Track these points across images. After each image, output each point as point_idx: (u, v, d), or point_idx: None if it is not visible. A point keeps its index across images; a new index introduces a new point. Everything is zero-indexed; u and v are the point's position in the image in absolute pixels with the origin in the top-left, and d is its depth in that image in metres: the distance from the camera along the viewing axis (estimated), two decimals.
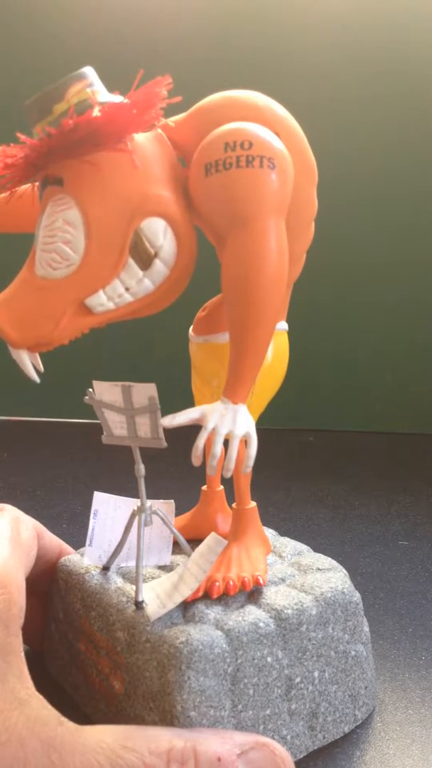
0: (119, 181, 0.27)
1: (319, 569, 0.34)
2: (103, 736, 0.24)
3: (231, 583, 0.31)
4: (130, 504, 0.33)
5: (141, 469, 0.30)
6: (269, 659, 0.29)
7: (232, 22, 0.81)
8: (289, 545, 0.36)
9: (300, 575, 0.33)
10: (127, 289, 0.28)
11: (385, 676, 0.36)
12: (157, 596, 0.30)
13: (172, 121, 0.30)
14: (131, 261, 0.28)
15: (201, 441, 0.27)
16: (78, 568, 0.34)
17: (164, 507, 0.33)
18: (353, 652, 0.32)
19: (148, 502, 0.31)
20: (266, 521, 0.37)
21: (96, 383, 0.29)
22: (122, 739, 0.24)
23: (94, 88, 0.28)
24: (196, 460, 0.28)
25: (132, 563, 0.33)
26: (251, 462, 0.28)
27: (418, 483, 0.67)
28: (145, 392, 0.28)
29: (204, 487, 0.37)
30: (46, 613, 0.36)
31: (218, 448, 0.28)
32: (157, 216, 0.28)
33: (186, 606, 0.30)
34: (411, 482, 0.67)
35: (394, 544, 0.53)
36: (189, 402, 0.31)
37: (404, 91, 0.81)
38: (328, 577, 0.33)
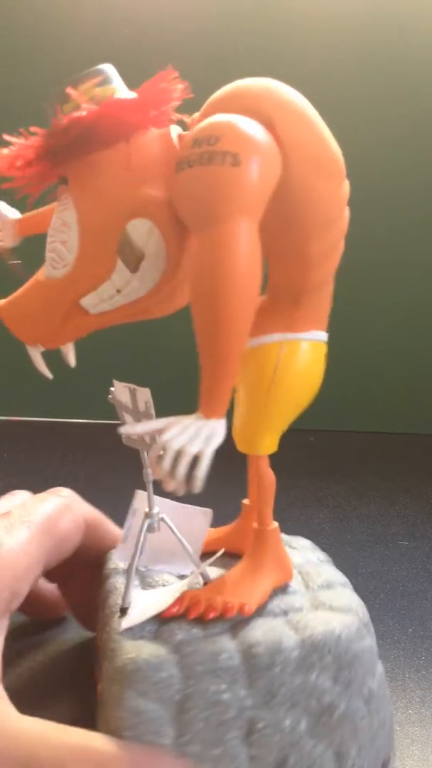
0: (110, 182, 0.27)
1: (331, 608, 0.29)
2: (75, 735, 0.24)
3: (211, 606, 0.28)
4: (167, 506, 0.32)
5: (148, 473, 0.30)
6: (226, 696, 0.26)
7: (234, 20, 0.81)
8: (324, 575, 0.32)
9: (307, 611, 0.29)
10: (118, 291, 0.28)
11: (385, 676, 0.36)
12: (144, 606, 0.29)
13: (190, 118, 0.29)
14: (120, 263, 0.28)
15: (152, 454, 0.26)
16: (110, 564, 0.34)
17: (201, 516, 0.32)
18: (343, 707, 0.28)
19: (157, 508, 0.30)
20: None
21: (115, 383, 0.29)
22: (99, 739, 0.24)
23: (107, 86, 0.27)
24: (155, 474, 0.25)
25: (160, 567, 0.32)
26: (197, 484, 0.24)
27: (418, 483, 0.67)
28: (142, 396, 0.28)
29: (245, 501, 0.34)
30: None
31: (166, 463, 0.24)
32: (143, 217, 0.27)
33: (164, 621, 0.28)
34: (411, 482, 0.67)
35: (394, 544, 0.53)
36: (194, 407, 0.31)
37: (408, 90, 0.81)
38: (331, 618, 0.28)
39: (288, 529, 0.56)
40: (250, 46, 0.80)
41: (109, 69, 0.27)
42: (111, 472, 0.67)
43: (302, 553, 0.34)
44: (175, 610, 0.28)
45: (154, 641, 0.27)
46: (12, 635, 0.30)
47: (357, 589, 0.33)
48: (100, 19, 0.82)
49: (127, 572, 0.30)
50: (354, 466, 0.72)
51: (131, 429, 0.26)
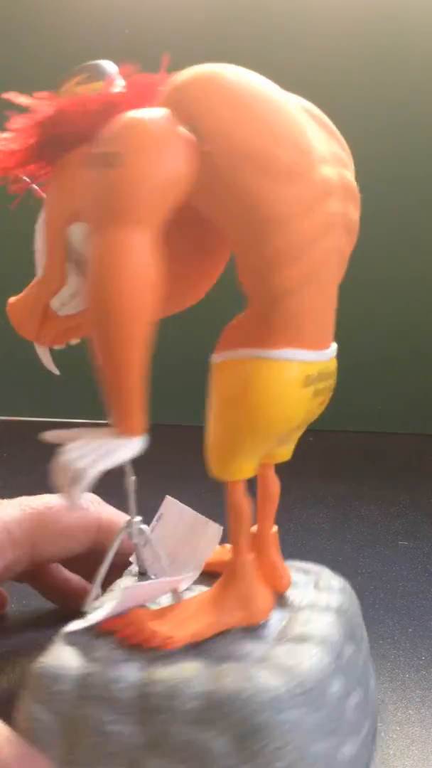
0: (65, 184, 0.26)
1: (276, 665, 0.25)
2: None
3: (139, 631, 0.26)
4: (177, 512, 0.32)
5: (131, 481, 0.30)
6: (111, 727, 0.24)
7: (234, 20, 0.81)
8: (310, 625, 0.28)
9: (246, 663, 0.25)
10: (72, 296, 0.28)
11: (385, 676, 0.36)
12: (103, 611, 0.27)
13: None
14: (71, 266, 0.27)
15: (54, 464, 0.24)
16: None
17: (208, 530, 0.31)
18: None
19: (138, 517, 0.30)
20: None
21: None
22: None
23: (92, 83, 0.26)
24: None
25: (173, 576, 0.31)
26: (70, 503, 0.24)
27: (418, 483, 0.67)
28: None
29: (254, 528, 0.30)
30: None
31: (54, 475, 0.24)
32: (80, 221, 0.26)
33: (109, 633, 0.27)
34: (411, 482, 0.67)
35: (394, 544, 0.53)
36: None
37: (409, 93, 0.81)
38: (256, 677, 0.24)
39: (288, 529, 0.56)
40: (251, 46, 0.80)
41: (100, 65, 0.26)
42: (111, 472, 0.67)
43: (304, 591, 0.31)
44: (112, 625, 0.27)
45: (81, 651, 0.26)
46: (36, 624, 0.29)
47: (357, 589, 0.33)
48: (101, 19, 0.82)
49: (95, 577, 0.29)
50: (354, 466, 0.72)
51: (46, 435, 0.25)
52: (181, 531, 0.32)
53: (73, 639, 0.27)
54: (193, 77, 0.25)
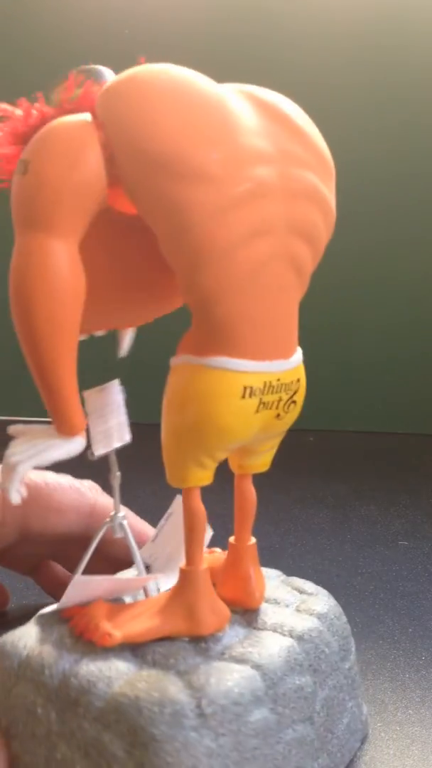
0: None
1: (188, 682, 0.24)
2: None
3: (85, 622, 0.27)
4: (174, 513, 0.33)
5: (116, 476, 0.30)
6: (39, 710, 0.25)
7: (235, 20, 0.81)
8: (260, 647, 0.27)
9: (166, 673, 0.25)
10: None
11: (385, 676, 0.36)
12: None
13: None
14: None
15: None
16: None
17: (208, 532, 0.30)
18: None
19: (122, 512, 0.30)
20: (267, 521, 0.37)
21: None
22: None
23: (70, 92, 0.26)
24: None
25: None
26: (6, 493, 0.24)
27: (418, 483, 0.67)
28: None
29: (231, 539, 0.30)
30: None
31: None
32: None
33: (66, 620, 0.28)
34: (411, 482, 0.67)
35: (394, 544, 0.53)
36: None
37: (408, 95, 0.81)
38: (159, 689, 0.24)
39: (288, 529, 0.56)
40: (251, 46, 0.80)
41: (96, 70, 0.26)
42: (111, 472, 0.67)
43: (280, 611, 0.29)
44: (71, 613, 0.28)
45: (40, 633, 0.27)
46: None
47: (357, 589, 0.33)
48: (101, 19, 0.82)
49: (79, 563, 0.29)
50: (354, 466, 0.72)
51: (11, 427, 0.26)
52: (173, 528, 0.32)
53: (42, 621, 0.28)
54: (114, 82, 0.24)
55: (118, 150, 0.23)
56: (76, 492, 0.37)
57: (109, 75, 0.26)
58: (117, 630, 0.26)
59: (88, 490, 0.38)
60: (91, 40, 0.82)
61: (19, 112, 0.25)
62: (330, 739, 0.28)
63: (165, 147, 0.23)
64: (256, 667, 0.26)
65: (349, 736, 0.29)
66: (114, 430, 0.29)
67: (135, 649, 0.26)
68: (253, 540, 0.30)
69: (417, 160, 0.83)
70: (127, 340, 0.32)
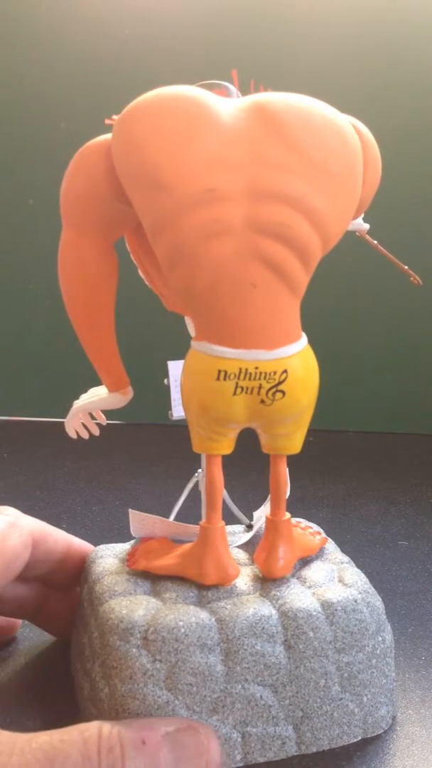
0: None
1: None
2: (42, 736, 0.24)
3: (131, 554, 0.34)
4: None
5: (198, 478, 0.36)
6: (129, 650, 0.30)
7: (235, 20, 0.81)
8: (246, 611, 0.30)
9: (148, 599, 0.31)
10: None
11: None
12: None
13: None
14: None
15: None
16: (96, 557, 0.35)
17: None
18: None
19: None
20: None
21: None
22: (59, 734, 0.25)
23: None
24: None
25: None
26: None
27: (418, 483, 0.67)
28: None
29: (203, 522, 0.32)
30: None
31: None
32: None
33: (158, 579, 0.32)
34: (411, 482, 0.67)
35: (394, 544, 0.53)
36: None
37: (409, 93, 0.81)
38: (136, 608, 0.30)
39: None
40: (251, 46, 0.80)
41: (224, 85, 0.30)
42: (111, 471, 0.68)
43: (298, 592, 0.32)
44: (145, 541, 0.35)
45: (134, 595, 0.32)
46: None
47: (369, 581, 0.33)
48: (101, 19, 0.82)
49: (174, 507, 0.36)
50: (354, 466, 0.72)
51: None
52: None
53: (118, 597, 0.32)
54: (123, 113, 0.28)
55: (116, 166, 0.28)
56: (13, 527, 0.33)
57: (232, 89, 0.30)
58: (144, 561, 0.32)
59: (17, 519, 0.34)
60: (91, 40, 0.82)
61: None
62: (301, 717, 0.30)
63: (134, 163, 0.27)
64: (220, 621, 0.29)
65: (330, 724, 0.30)
66: None
67: (155, 581, 0.32)
68: (288, 515, 0.33)
69: (420, 160, 0.83)
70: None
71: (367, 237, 0.35)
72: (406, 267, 0.36)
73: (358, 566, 0.35)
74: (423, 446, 0.80)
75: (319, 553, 0.35)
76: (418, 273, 0.37)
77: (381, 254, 0.35)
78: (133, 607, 0.30)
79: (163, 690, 0.28)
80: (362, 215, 0.34)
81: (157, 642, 0.29)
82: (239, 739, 0.29)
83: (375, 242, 0.35)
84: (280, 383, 0.29)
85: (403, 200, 0.83)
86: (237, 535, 0.37)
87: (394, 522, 0.58)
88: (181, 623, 0.29)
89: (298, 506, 0.61)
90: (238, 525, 0.38)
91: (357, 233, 0.35)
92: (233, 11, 0.81)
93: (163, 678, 0.28)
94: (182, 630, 0.29)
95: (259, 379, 0.28)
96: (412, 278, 0.37)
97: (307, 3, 0.81)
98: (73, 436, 0.34)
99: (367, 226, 0.35)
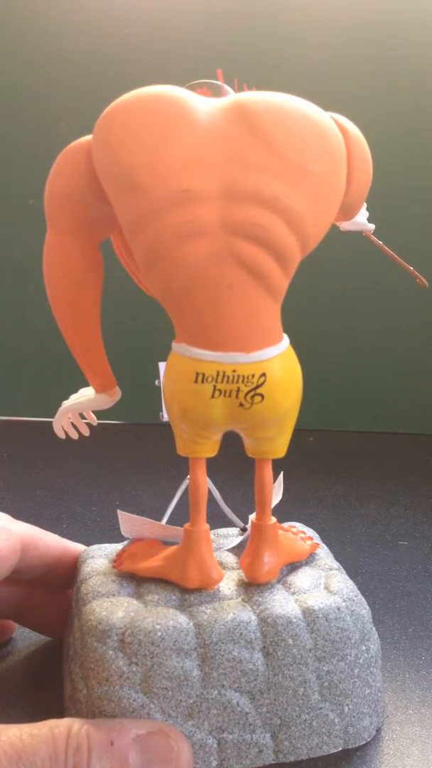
0: None
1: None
2: (12, 729, 0.24)
3: (118, 555, 0.34)
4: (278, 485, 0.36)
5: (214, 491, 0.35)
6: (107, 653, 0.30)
7: (235, 20, 0.81)
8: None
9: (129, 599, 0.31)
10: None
11: (385, 676, 0.36)
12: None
13: None
14: None
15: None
16: (87, 557, 0.35)
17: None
18: None
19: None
20: None
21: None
22: (29, 728, 0.25)
23: None
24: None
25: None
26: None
27: (418, 483, 0.67)
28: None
29: (187, 525, 0.32)
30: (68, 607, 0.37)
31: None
32: None
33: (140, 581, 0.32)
34: (411, 482, 0.67)
35: (394, 544, 0.53)
36: None
37: (409, 97, 0.81)
38: (115, 611, 0.30)
39: None
40: (251, 45, 0.80)
41: (217, 85, 0.29)
42: (111, 471, 0.68)
43: (280, 598, 0.31)
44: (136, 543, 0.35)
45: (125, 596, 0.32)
46: None
47: (357, 589, 0.33)
48: (101, 18, 0.82)
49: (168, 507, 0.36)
50: (354, 466, 0.72)
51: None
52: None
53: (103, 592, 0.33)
54: (102, 114, 0.28)
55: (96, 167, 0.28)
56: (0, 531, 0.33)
57: (228, 89, 0.29)
58: (129, 563, 0.32)
59: (6, 524, 0.34)
60: (91, 40, 0.82)
61: None
62: (278, 725, 0.30)
63: (111, 164, 0.27)
64: (198, 625, 0.29)
65: (309, 733, 0.30)
66: None
67: (140, 583, 0.32)
68: (273, 520, 0.32)
69: (420, 165, 0.83)
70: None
71: (373, 238, 0.35)
72: (412, 268, 0.36)
73: (358, 566, 0.35)
74: (423, 446, 0.80)
75: (308, 559, 0.35)
76: (424, 274, 0.37)
77: (387, 255, 0.34)
78: (113, 609, 0.30)
79: (138, 693, 0.28)
80: (367, 215, 0.34)
81: (134, 645, 0.28)
82: (215, 745, 0.29)
83: (381, 243, 0.35)
84: (258, 386, 0.28)
85: (408, 201, 0.83)
86: (230, 538, 0.37)
87: (394, 522, 0.58)
88: (158, 627, 0.29)
89: (298, 506, 0.61)
90: (233, 528, 0.38)
91: (363, 234, 0.35)
92: (233, 11, 0.80)
93: (138, 681, 0.28)
94: (159, 633, 0.28)
95: (237, 382, 0.28)
96: (418, 280, 0.37)
97: (307, 3, 0.81)
98: (61, 435, 0.34)
99: (372, 226, 0.35)
